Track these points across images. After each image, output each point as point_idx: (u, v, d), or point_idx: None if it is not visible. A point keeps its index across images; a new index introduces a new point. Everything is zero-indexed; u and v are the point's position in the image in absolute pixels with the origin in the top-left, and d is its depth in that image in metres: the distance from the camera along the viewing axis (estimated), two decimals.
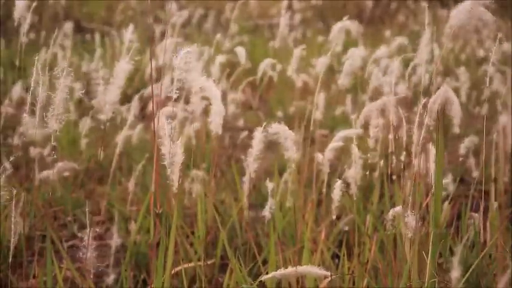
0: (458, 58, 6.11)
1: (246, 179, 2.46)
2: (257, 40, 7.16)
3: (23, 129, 1.66)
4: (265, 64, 3.19)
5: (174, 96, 1.55)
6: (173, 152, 1.57)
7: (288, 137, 1.94)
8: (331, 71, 4.60)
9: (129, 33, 2.28)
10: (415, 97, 2.68)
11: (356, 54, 2.26)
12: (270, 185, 2.07)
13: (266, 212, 2.02)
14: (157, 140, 1.63)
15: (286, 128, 1.95)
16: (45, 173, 2.62)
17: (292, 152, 1.95)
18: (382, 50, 2.53)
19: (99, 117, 2.04)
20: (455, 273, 1.14)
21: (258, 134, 1.95)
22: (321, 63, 2.32)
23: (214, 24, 7.99)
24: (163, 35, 4.89)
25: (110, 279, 2.16)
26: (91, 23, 7.96)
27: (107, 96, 1.81)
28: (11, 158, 1.80)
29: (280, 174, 2.81)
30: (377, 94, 2.77)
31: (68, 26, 5.20)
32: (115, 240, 1.89)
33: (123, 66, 1.81)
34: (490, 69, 1.72)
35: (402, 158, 2.21)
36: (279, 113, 4.72)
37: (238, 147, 3.83)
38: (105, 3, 8.69)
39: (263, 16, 9.12)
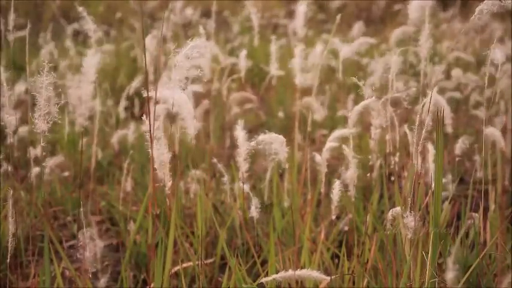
0: (459, 58, 6.09)
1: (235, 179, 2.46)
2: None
3: (8, 130, 1.64)
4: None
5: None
6: (160, 153, 1.56)
7: (278, 142, 1.94)
8: (332, 70, 4.59)
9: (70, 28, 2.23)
10: (413, 96, 2.67)
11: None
12: (246, 187, 2.07)
13: (253, 213, 2.01)
14: (150, 140, 1.62)
15: (274, 134, 1.95)
16: (36, 169, 2.61)
17: (282, 155, 1.95)
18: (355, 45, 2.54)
19: (77, 117, 1.99)
20: (450, 273, 1.14)
21: (241, 133, 1.95)
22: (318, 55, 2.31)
23: (216, 25, 7.97)
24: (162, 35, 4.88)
25: (109, 279, 2.16)
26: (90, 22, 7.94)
27: (81, 94, 1.76)
28: (12, 159, 1.79)
29: (281, 174, 2.80)
30: (376, 92, 2.76)
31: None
32: (103, 243, 1.88)
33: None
34: (488, 70, 1.71)
35: (398, 158, 2.20)
36: (280, 113, 4.71)
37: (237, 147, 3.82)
38: (104, 3, 8.68)
39: (265, 16, 9.11)
